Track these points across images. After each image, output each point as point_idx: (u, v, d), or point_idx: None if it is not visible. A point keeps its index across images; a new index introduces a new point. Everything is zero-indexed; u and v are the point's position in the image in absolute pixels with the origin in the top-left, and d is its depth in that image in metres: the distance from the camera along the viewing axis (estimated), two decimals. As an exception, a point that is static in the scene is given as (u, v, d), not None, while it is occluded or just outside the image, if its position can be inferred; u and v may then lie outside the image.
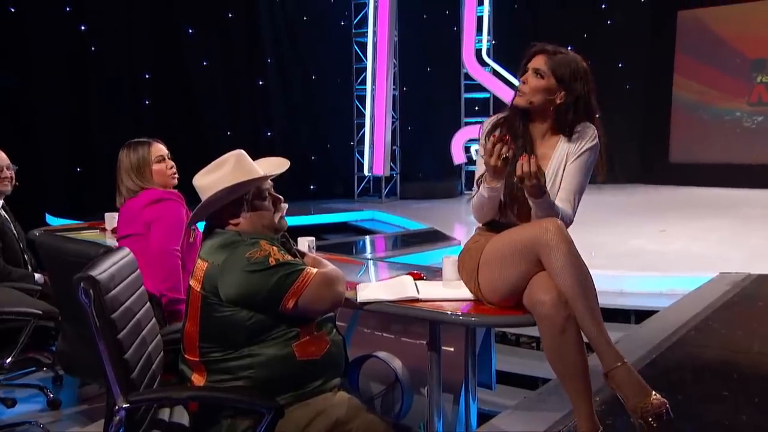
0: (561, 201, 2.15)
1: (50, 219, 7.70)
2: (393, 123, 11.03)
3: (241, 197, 1.87)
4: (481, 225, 2.27)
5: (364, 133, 10.94)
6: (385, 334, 2.85)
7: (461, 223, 8.30)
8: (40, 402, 3.31)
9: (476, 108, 11.64)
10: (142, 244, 2.65)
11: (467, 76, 11.44)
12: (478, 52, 11.24)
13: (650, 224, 7.55)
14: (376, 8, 10.61)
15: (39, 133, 8.20)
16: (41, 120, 8.22)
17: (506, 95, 9.73)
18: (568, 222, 2.11)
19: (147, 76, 9.41)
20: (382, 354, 2.64)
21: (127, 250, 2.06)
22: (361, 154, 11.01)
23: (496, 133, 2.18)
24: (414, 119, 11.72)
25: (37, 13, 8.10)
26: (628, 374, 1.84)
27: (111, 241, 3.31)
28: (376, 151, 10.78)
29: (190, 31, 9.85)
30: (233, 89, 10.31)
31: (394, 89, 10.98)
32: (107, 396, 1.76)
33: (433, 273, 2.53)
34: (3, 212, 3.27)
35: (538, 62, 2.15)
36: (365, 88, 10.86)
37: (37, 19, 8.10)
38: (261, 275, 1.76)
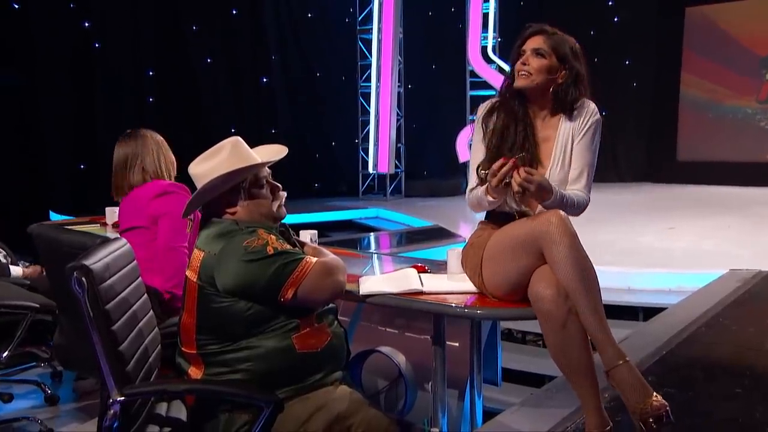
0: (573, 182, 2.10)
1: (54, 216, 7.69)
2: (398, 120, 10.98)
3: (237, 185, 1.82)
4: (483, 219, 2.21)
5: (368, 130, 10.88)
6: (388, 329, 2.80)
7: (466, 220, 8.23)
8: (37, 398, 3.27)
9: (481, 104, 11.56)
10: (147, 238, 2.60)
11: (473, 74, 11.36)
12: (484, 49, 11.16)
13: (658, 222, 7.47)
14: (381, 5, 10.55)
15: (43, 130, 8.20)
16: (45, 117, 8.21)
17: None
18: (584, 205, 2.08)
19: (151, 73, 9.39)
20: (385, 349, 2.59)
21: (123, 240, 2.01)
22: (366, 151, 10.96)
23: (492, 123, 2.14)
24: (419, 117, 11.66)
25: (41, 9, 8.08)
26: (630, 373, 1.79)
27: (112, 235, 3.26)
28: (380, 148, 10.72)
29: (195, 28, 9.82)
30: (237, 86, 10.28)
31: (399, 86, 10.92)
32: (101, 389, 1.71)
33: (438, 266, 2.48)
34: None
35: (537, 42, 2.11)
36: (370, 86, 10.80)
37: (41, 15, 8.08)
38: (259, 264, 1.71)
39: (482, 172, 2.04)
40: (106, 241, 1.99)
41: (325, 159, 11.41)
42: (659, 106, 12.89)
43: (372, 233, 8.39)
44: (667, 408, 1.74)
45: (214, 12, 9.97)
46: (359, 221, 9.29)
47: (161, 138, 2.88)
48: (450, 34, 11.81)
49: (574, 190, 2.10)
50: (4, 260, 3.27)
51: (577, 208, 2.07)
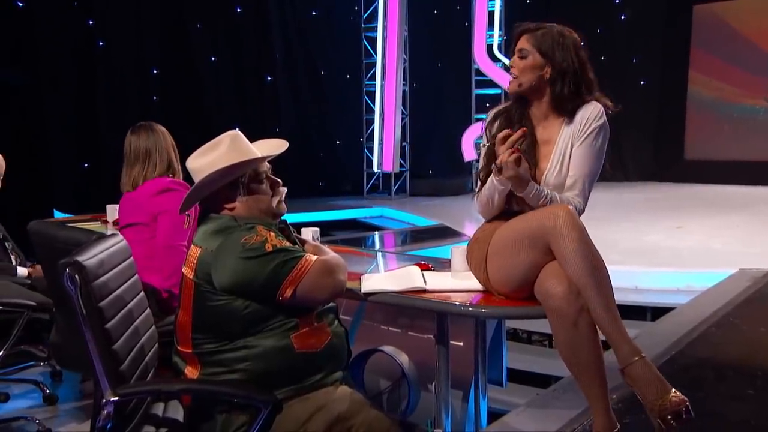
0: (568, 188, 2.04)
1: (58, 214, 7.67)
2: (403, 119, 10.92)
3: (236, 180, 1.77)
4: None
5: (373, 129, 10.84)
6: (391, 328, 2.75)
7: (471, 219, 8.16)
8: (36, 397, 3.23)
9: (487, 104, 11.48)
10: (146, 235, 2.57)
11: (478, 72, 11.30)
12: (489, 47, 11.09)
13: (666, 221, 7.40)
14: (385, 3, 10.51)
15: (46, 129, 8.20)
16: (48, 116, 8.21)
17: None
18: (579, 212, 2.00)
19: (155, 72, 9.38)
20: (388, 348, 2.54)
21: (119, 236, 1.96)
22: (371, 150, 10.91)
23: (495, 129, 2.09)
24: (424, 115, 11.61)
25: (45, 8, 8.08)
26: (646, 369, 1.72)
27: (112, 232, 3.22)
28: (385, 147, 10.67)
29: (199, 26, 9.81)
30: (241, 85, 10.26)
31: (403, 85, 10.87)
32: (95, 389, 1.66)
33: (441, 264, 2.43)
34: None
35: (522, 42, 2.07)
36: (375, 84, 10.76)
37: (45, 14, 8.09)
38: (257, 262, 1.66)
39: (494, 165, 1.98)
40: (101, 237, 1.95)
41: (329, 158, 11.37)
42: (666, 105, 12.81)
43: (376, 232, 8.35)
44: (687, 403, 1.67)
45: (219, 10, 9.96)
46: (364, 220, 9.25)
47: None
48: (455, 32, 11.75)
49: (566, 196, 2.03)
50: (14, 262, 3.24)
51: None
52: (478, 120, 11.32)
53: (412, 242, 7.49)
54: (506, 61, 10.90)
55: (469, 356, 2.45)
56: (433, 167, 12.12)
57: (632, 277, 4.89)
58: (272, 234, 1.72)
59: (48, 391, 3.23)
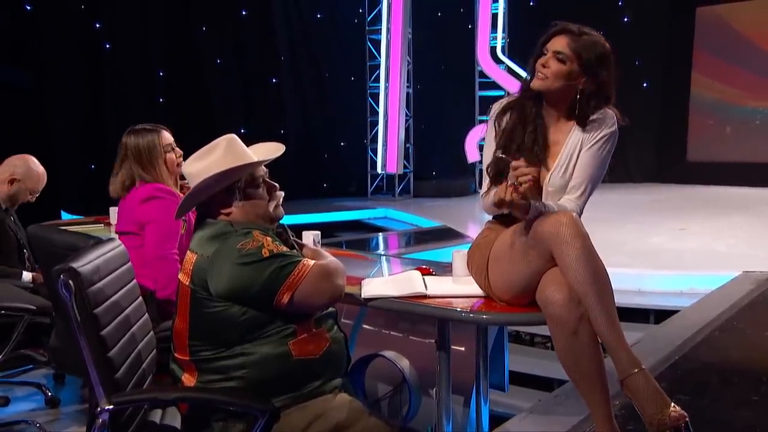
0: (570, 191, 1.98)
1: (65, 215, 7.66)
2: (406, 121, 10.88)
3: (232, 185, 1.73)
4: (491, 218, 2.11)
5: (377, 130, 10.79)
6: (392, 333, 2.71)
7: (475, 220, 8.12)
8: (38, 400, 3.20)
9: (490, 106, 11.44)
10: (137, 243, 2.51)
11: (481, 74, 11.25)
12: (493, 49, 11.04)
13: (669, 223, 7.33)
14: (390, 6, 10.46)
15: (54, 131, 8.19)
16: (55, 117, 8.20)
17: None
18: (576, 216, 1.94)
19: (161, 74, 9.36)
20: (389, 353, 2.50)
21: (117, 241, 1.93)
22: (375, 151, 10.87)
23: (504, 122, 2.04)
24: (428, 117, 11.56)
25: (52, 10, 8.07)
26: (646, 382, 1.67)
27: (114, 235, 3.19)
28: (389, 148, 10.63)
29: (204, 28, 9.78)
30: (247, 87, 10.23)
31: (407, 87, 10.83)
32: (90, 396, 1.63)
33: (443, 268, 2.38)
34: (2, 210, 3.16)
35: (560, 44, 1.95)
36: (379, 86, 10.71)
37: (52, 16, 8.07)
38: (253, 268, 1.61)
39: (498, 152, 1.93)
40: (98, 242, 1.91)
41: (333, 159, 11.33)
42: (669, 107, 12.73)
43: (380, 233, 8.31)
44: (687, 419, 1.63)
45: (224, 13, 9.93)
46: (367, 221, 9.21)
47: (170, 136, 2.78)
48: (459, 34, 11.69)
49: (568, 198, 1.98)
50: (27, 263, 3.22)
51: None
52: (481, 122, 11.26)
53: (415, 244, 7.45)
54: (509, 63, 10.87)
55: (470, 361, 2.41)
56: (437, 169, 12.07)
57: (636, 280, 4.83)
58: (269, 239, 1.68)
59: (50, 394, 3.19)
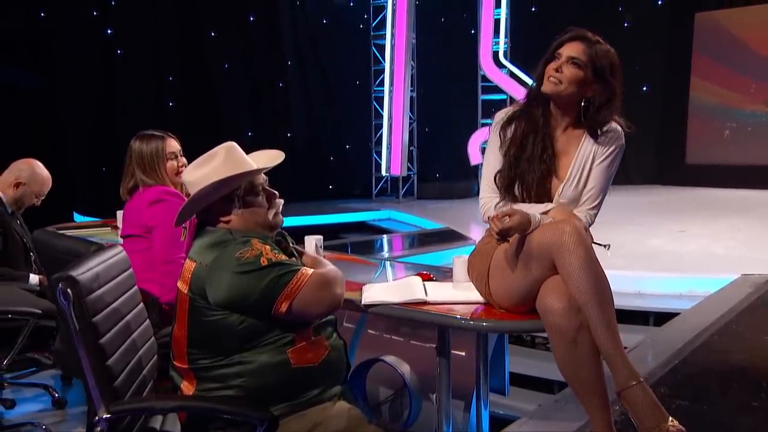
0: (584, 203, 1.95)
1: (78, 217, 7.66)
2: (410, 124, 10.83)
3: (232, 192, 1.68)
4: None
5: (382, 134, 10.75)
6: (393, 337, 2.66)
7: (477, 222, 8.06)
8: (46, 401, 3.17)
9: (493, 109, 11.30)
10: (144, 246, 2.47)
11: (484, 78, 11.18)
12: (495, 54, 10.98)
13: (668, 225, 7.26)
14: (394, 11, 10.42)
15: (66, 134, 8.23)
16: (69, 121, 8.23)
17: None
18: (586, 227, 1.91)
19: (170, 79, 9.35)
20: (389, 358, 2.46)
21: (118, 248, 1.89)
22: (379, 154, 10.82)
23: (511, 132, 1.99)
24: (431, 120, 11.51)
25: (66, 18, 8.10)
26: (644, 395, 1.63)
27: (120, 239, 3.15)
28: (393, 151, 10.58)
29: (213, 34, 9.78)
30: (254, 91, 10.21)
31: (411, 91, 10.78)
32: (88, 405, 1.59)
33: (444, 274, 2.34)
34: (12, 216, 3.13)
35: (576, 49, 1.90)
36: (383, 90, 10.67)
37: (66, 23, 8.10)
38: (251, 276, 1.57)
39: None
40: (99, 249, 1.87)
41: (339, 162, 11.31)
42: (669, 110, 12.65)
43: (384, 235, 8.26)
44: None
45: (232, 19, 9.93)
46: (372, 223, 9.16)
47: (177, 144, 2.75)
48: (462, 39, 11.65)
49: (580, 210, 1.95)
50: (34, 265, 3.18)
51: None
52: (484, 125, 11.20)
53: (418, 245, 7.40)
54: (512, 68, 10.81)
55: (471, 366, 2.36)
56: (440, 171, 12.02)
57: (635, 282, 4.77)
58: (267, 247, 1.63)
59: (57, 395, 3.16)
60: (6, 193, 3.09)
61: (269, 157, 1.79)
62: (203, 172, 1.66)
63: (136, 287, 1.90)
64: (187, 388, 1.68)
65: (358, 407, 1.75)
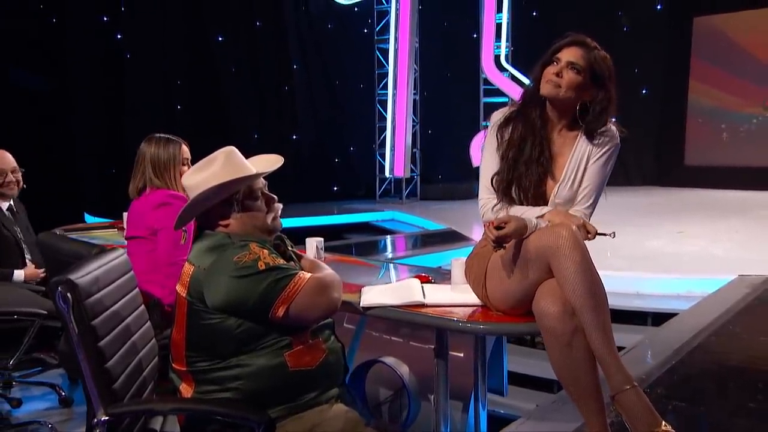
0: (579, 203, 1.92)
1: (88, 218, 7.67)
2: (413, 126, 10.80)
3: (231, 197, 1.65)
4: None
5: (385, 136, 10.73)
6: (393, 338, 2.63)
7: (479, 223, 7.99)
8: (53, 400, 3.15)
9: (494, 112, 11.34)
10: (148, 248, 2.46)
11: (486, 81, 11.17)
12: (497, 57, 10.96)
13: (667, 226, 7.21)
14: (397, 16, 10.40)
15: (77, 136, 8.24)
16: (79, 123, 8.24)
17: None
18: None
19: (179, 82, 9.35)
20: (389, 359, 2.43)
21: (120, 251, 1.86)
22: (383, 156, 10.81)
23: (508, 134, 1.96)
24: (434, 123, 11.49)
25: (77, 22, 8.11)
26: (638, 399, 1.60)
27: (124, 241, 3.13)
28: (397, 153, 10.56)
29: (220, 39, 9.78)
30: (260, 94, 10.21)
31: (414, 94, 10.76)
32: (87, 407, 1.56)
33: (442, 276, 2.31)
34: (7, 213, 3.08)
35: (575, 55, 1.88)
36: (387, 93, 10.65)
37: (76, 27, 8.11)
38: (249, 281, 1.55)
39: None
40: (101, 252, 1.85)
41: (343, 163, 11.30)
42: (668, 113, 12.61)
43: (388, 236, 8.24)
44: None
45: (239, 24, 9.94)
46: (375, 223, 9.13)
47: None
48: (464, 43, 11.62)
49: (576, 209, 1.92)
50: (30, 264, 3.14)
51: None
52: (486, 127, 11.15)
53: (421, 246, 7.37)
54: (513, 71, 10.77)
55: (469, 367, 2.33)
56: (443, 172, 11.99)
57: (634, 283, 4.73)
58: (265, 252, 1.61)
59: (64, 393, 3.15)
60: None
61: (268, 162, 1.77)
62: (203, 176, 1.64)
63: (137, 290, 1.88)
64: (186, 390, 1.66)
65: (356, 409, 1.72)
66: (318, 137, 10.84)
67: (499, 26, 11.04)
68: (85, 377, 1.53)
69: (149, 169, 2.55)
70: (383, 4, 10.71)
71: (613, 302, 4.55)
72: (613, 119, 1.97)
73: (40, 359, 2.65)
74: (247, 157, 1.77)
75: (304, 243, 2.51)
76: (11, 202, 3.06)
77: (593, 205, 1.94)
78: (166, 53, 9.14)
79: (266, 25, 10.27)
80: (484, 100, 11.41)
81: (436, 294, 2.03)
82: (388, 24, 10.60)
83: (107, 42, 8.57)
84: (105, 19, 8.56)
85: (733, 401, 2.41)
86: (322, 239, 2.61)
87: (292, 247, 1.84)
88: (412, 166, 10.82)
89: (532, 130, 1.93)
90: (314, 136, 10.79)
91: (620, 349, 3.26)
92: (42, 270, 2.96)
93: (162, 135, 2.67)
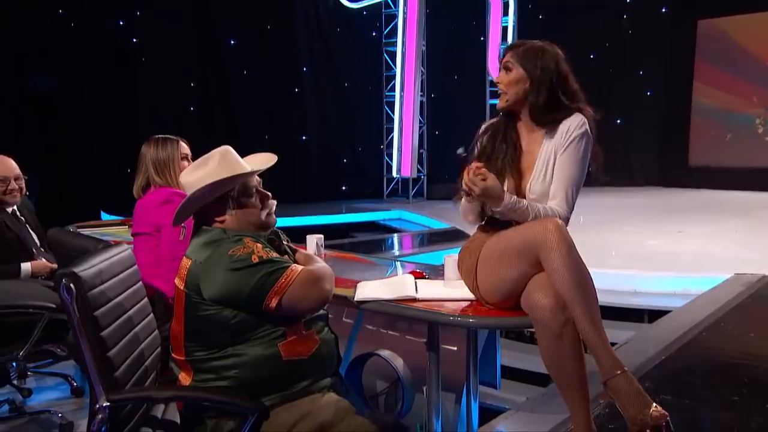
0: (552, 197, 1.94)
1: (104, 216, 7.77)
2: (420, 127, 10.84)
3: (226, 194, 1.70)
4: (482, 222, 2.07)
5: (393, 137, 10.77)
6: (390, 332, 2.67)
7: (483, 222, 8.04)
8: (64, 390, 3.22)
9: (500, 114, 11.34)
10: (153, 244, 2.52)
11: (492, 83, 11.15)
12: (503, 60, 10.94)
13: (668, 225, 7.19)
14: (405, 19, 10.45)
15: (93, 137, 8.34)
16: (96, 125, 8.34)
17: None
18: (563, 220, 1.89)
19: (192, 85, 9.44)
20: (384, 352, 2.47)
21: (124, 246, 1.91)
22: (390, 156, 10.85)
23: (486, 137, 2.01)
24: (441, 124, 11.51)
25: (94, 27, 8.22)
26: (628, 383, 1.62)
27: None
28: (404, 154, 10.61)
29: (232, 42, 9.86)
30: (271, 96, 10.28)
31: (421, 96, 10.79)
32: (90, 393, 1.61)
33: (437, 272, 2.34)
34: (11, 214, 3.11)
35: (506, 59, 1.98)
36: (394, 95, 10.70)
37: (93, 32, 8.23)
38: (243, 273, 1.59)
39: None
40: (106, 247, 1.90)
41: (352, 163, 11.36)
42: (672, 114, 12.55)
43: (395, 234, 8.28)
44: (668, 418, 1.58)
45: (250, 28, 10.02)
46: (382, 222, 9.18)
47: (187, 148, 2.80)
48: (470, 46, 11.64)
49: (553, 202, 1.94)
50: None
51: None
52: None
53: (427, 244, 7.40)
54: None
55: (462, 360, 2.36)
56: (449, 173, 11.98)
57: (631, 281, 4.74)
58: (259, 245, 1.65)
59: (75, 384, 3.21)
60: None
61: (262, 160, 1.81)
62: (199, 174, 1.68)
63: (140, 283, 1.93)
64: (185, 378, 1.70)
65: (348, 399, 1.76)
66: (327, 138, 10.91)
67: (505, 29, 11.05)
68: (88, 365, 1.58)
69: (151, 169, 2.62)
70: (391, 7, 10.75)
71: (611, 300, 4.56)
72: (595, 111, 1.98)
73: (50, 351, 2.70)
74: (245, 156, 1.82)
75: (302, 241, 2.55)
76: (15, 207, 3.11)
77: (568, 199, 1.93)
78: (179, 56, 9.25)
79: (277, 29, 10.35)
80: (489, 101, 11.41)
81: (429, 289, 2.06)
82: (395, 27, 10.64)
83: (123, 46, 8.69)
84: (121, 23, 8.67)
85: (718, 395, 2.43)
86: (322, 236, 2.65)
87: (287, 241, 1.88)
88: (419, 166, 10.86)
89: (504, 136, 2.00)
90: (323, 136, 10.86)
91: (612, 344, 3.29)
92: (52, 263, 3.01)
93: (160, 135, 2.75)
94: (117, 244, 1.94)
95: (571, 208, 1.94)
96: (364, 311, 2.73)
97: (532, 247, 1.74)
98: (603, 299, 4.67)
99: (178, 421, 1.80)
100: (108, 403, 1.56)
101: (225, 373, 1.63)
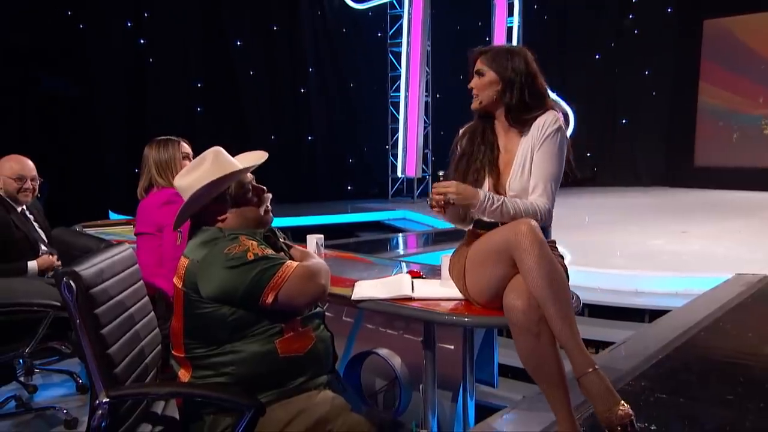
0: (531, 192, 1.97)
1: (113, 215, 7.83)
2: (425, 128, 10.86)
3: (223, 193, 1.73)
4: (470, 226, 2.10)
5: (398, 137, 10.79)
6: (388, 331, 2.69)
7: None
8: (70, 386, 3.26)
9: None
10: (155, 243, 2.55)
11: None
12: (508, 60, 10.94)
13: (672, 225, 7.18)
14: (410, 20, 10.47)
15: (102, 137, 8.41)
16: (104, 125, 8.42)
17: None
18: (544, 213, 1.92)
19: (199, 85, 9.50)
20: (382, 351, 2.49)
21: (125, 245, 1.95)
22: (395, 157, 10.88)
23: (463, 144, 2.07)
24: (445, 124, 11.50)
25: (103, 28, 8.29)
26: (599, 381, 1.66)
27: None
28: (408, 154, 10.63)
29: (239, 43, 9.90)
30: (277, 96, 10.33)
31: (426, 96, 10.81)
32: (90, 390, 1.65)
33: (434, 272, 2.37)
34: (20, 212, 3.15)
35: (478, 64, 2.03)
36: (399, 96, 10.72)
37: (103, 33, 8.30)
38: (239, 271, 1.62)
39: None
40: (108, 246, 1.94)
41: (357, 163, 11.39)
42: (677, 114, 12.51)
43: (399, 234, 8.30)
44: (632, 417, 1.63)
45: (257, 29, 10.06)
46: (387, 222, 9.20)
47: (189, 148, 2.84)
48: (475, 46, 11.59)
49: (532, 198, 1.97)
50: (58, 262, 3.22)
51: (524, 215, 1.91)
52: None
53: (431, 244, 7.42)
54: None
55: (458, 358, 2.38)
56: (454, 173, 12.00)
57: (633, 281, 4.73)
58: (255, 243, 1.68)
59: (80, 381, 3.25)
60: None
61: (253, 158, 1.84)
62: (193, 176, 1.71)
63: (141, 282, 1.96)
64: (184, 375, 1.74)
65: (344, 397, 1.78)
66: (332, 138, 10.94)
67: (510, 30, 11.04)
68: (88, 362, 1.61)
69: (153, 170, 2.66)
70: (396, 8, 10.77)
71: (613, 299, 4.55)
72: (564, 104, 2.03)
73: (55, 349, 2.74)
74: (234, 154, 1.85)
75: (303, 240, 2.58)
76: (24, 207, 3.15)
77: (547, 194, 1.95)
78: (187, 57, 9.30)
79: (283, 30, 10.39)
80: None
81: (425, 288, 2.08)
82: (401, 28, 10.66)
83: (131, 47, 8.75)
84: (129, 24, 8.73)
85: (714, 393, 2.44)
86: (322, 236, 2.67)
87: (283, 239, 1.91)
88: (424, 167, 10.88)
89: (482, 138, 2.04)
90: (329, 137, 10.89)
91: (612, 344, 3.30)
92: (56, 258, 3.04)
93: (161, 137, 2.80)
94: (119, 243, 1.97)
95: (551, 201, 1.97)
96: (363, 310, 2.77)
97: (507, 248, 1.78)
98: (605, 299, 4.66)
99: (178, 417, 1.83)
100: (108, 399, 1.59)
101: (223, 369, 1.66)
